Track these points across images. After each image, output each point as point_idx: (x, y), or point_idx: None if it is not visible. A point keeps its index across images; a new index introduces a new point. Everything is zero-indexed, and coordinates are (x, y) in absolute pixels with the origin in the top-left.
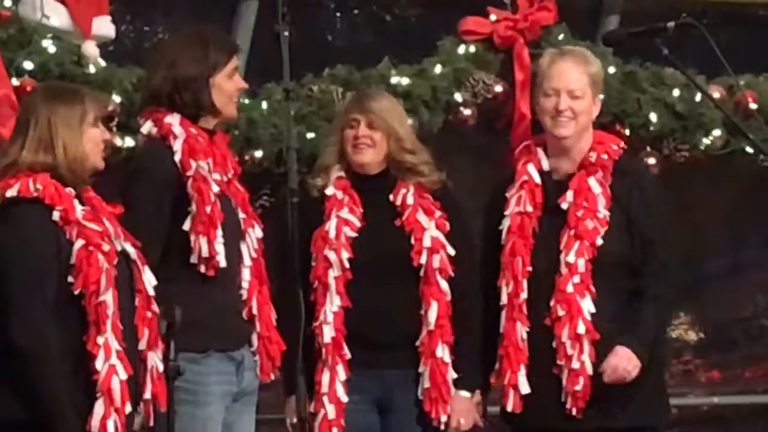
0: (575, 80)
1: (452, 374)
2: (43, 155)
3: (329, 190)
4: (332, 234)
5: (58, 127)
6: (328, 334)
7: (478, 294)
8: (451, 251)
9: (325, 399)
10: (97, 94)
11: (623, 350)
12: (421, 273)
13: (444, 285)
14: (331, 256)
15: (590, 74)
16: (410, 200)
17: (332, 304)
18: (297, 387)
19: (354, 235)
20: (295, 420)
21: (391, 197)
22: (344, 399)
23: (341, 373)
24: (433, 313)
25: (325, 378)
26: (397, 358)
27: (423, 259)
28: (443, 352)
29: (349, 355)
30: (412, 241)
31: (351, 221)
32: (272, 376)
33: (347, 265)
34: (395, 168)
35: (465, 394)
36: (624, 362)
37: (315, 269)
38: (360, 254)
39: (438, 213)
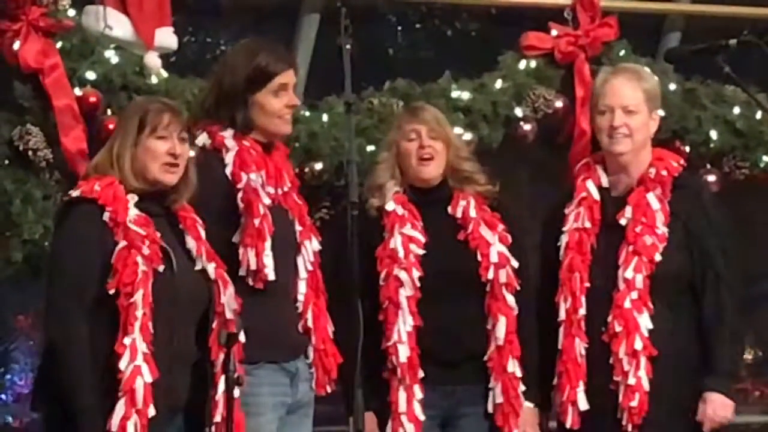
0: (629, 96)
1: (522, 388)
2: (103, 164)
3: (389, 206)
4: (401, 253)
5: (117, 138)
6: (403, 353)
7: (533, 306)
8: (515, 264)
9: (404, 418)
10: (167, 106)
11: (715, 397)
12: (488, 288)
13: (511, 300)
14: (402, 275)
15: (645, 90)
16: (472, 213)
17: (405, 324)
18: (354, 401)
19: (422, 252)
20: None
21: (449, 209)
22: (422, 417)
23: (418, 393)
24: (502, 328)
25: (402, 397)
26: (465, 374)
27: (490, 275)
28: (514, 367)
29: (422, 374)
30: (479, 257)
31: (416, 238)
32: (328, 389)
33: (418, 284)
34: (454, 178)
35: (529, 405)
36: (720, 409)
37: (385, 288)
38: (427, 271)
39: (500, 226)
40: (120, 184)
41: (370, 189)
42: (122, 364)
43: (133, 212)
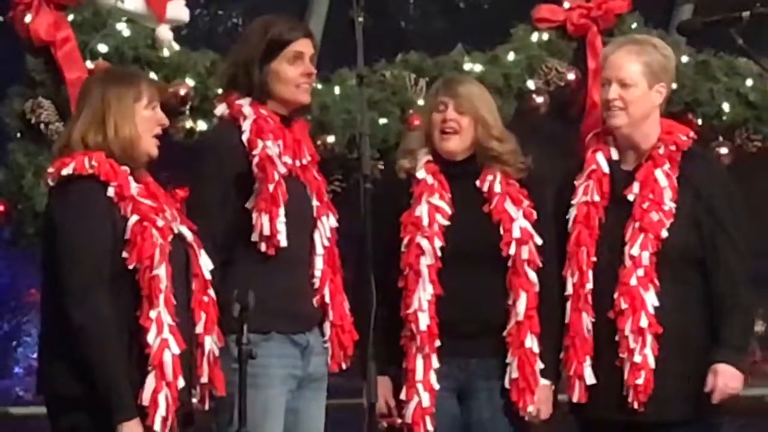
0: (625, 69)
1: (539, 365)
2: (94, 134)
3: (420, 174)
4: (425, 221)
5: (111, 105)
6: (423, 321)
7: (556, 285)
8: (539, 241)
9: (420, 386)
10: (154, 79)
11: (725, 368)
12: (509, 263)
13: (533, 276)
14: (424, 244)
15: (645, 63)
16: (498, 188)
17: (425, 292)
18: (367, 372)
19: (446, 222)
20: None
21: (478, 183)
22: (437, 387)
23: (435, 362)
24: (522, 303)
25: (420, 365)
26: (482, 347)
27: (512, 250)
28: (532, 343)
29: (438, 344)
30: (501, 231)
31: (442, 208)
32: (343, 366)
33: (439, 253)
34: (482, 154)
35: (545, 382)
36: (730, 381)
37: (406, 255)
38: (450, 242)
39: (526, 202)
40: (108, 158)
41: (401, 152)
42: (150, 338)
43: (134, 185)
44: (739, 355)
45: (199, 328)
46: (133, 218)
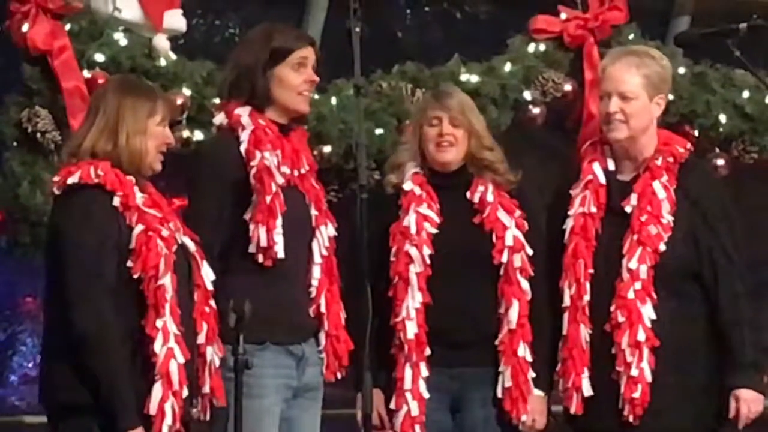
0: (626, 82)
1: (532, 374)
2: (105, 142)
3: (407, 185)
4: (413, 229)
5: (126, 116)
6: (411, 330)
7: (547, 295)
8: (530, 251)
9: (409, 395)
10: (169, 97)
11: (746, 394)
12: (501, 272)
13: (525, 284)
14: (413, 251)
15: (644, 75)
16: (490, 198)
17: (414, 300)
18: (363, 383)
19: (434, 231)
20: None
21: (468, 194)
22: (426, 395)
23: (424, 370)
24: (514, 312)
25: (408, 374)
26: (474, 356)
27: (504, 258)
28: (525, 352)
29: (429, 353)
30: (494, 239)
31: (430, 217)
32: (339, 375)
33: (428, 261)
34: (473, 165)
35: (539, 393)
36: (753, 405)
37: (395, 264)
38: (440, 250)
39: (518, 212)
40: (115, 167)
41: (390, 166)
42: (156, 347)
43: (140, 195)
44: (756, 375)
45: (201, 339)
46: (138, 228)
